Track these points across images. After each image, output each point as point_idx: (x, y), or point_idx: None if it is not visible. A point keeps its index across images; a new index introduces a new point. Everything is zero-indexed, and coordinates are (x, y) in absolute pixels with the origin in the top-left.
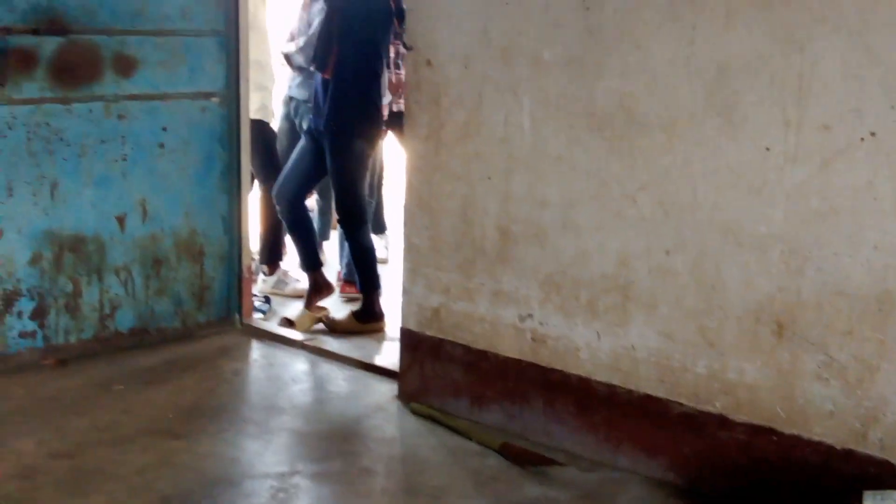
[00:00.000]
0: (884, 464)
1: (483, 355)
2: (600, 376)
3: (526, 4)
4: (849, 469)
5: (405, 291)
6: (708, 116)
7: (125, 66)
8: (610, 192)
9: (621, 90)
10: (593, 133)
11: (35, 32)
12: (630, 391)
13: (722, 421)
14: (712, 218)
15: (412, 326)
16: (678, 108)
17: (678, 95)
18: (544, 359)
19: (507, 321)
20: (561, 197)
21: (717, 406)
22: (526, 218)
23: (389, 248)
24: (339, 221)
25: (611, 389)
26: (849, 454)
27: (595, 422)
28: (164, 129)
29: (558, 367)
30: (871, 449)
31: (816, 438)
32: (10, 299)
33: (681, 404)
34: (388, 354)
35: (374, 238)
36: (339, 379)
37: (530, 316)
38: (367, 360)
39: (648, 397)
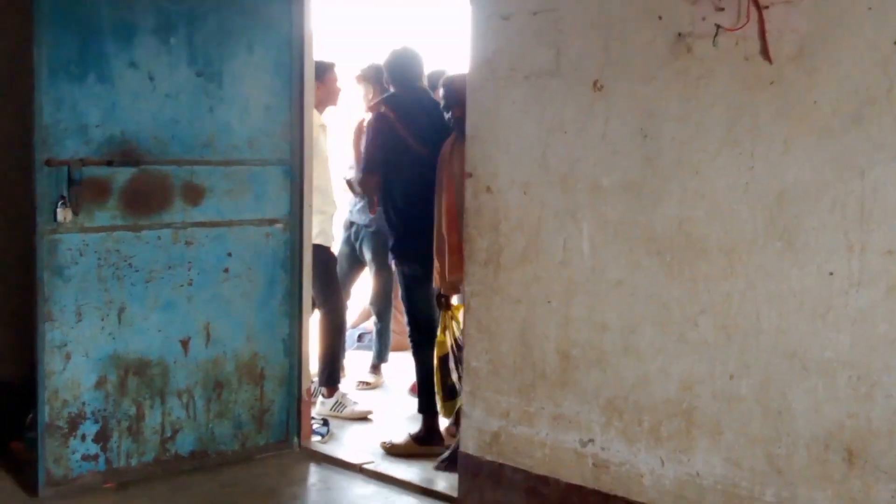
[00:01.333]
0: None
1: (544, 481)
2: None
3: (584, 133)
4: None
5: (465, 415)
6: (769, 241)
7: (194, 194)
8: (671, 316)
9: (680, 215)
10: (653, 257)
11: (109, 164)
12: None
13: None
14: (777, 342)
15: (471, 451)
16: (739, 232)
17: (738, 220)
18: (606, 485)
19: (568, 446)
20: (621, 321)
21: None
22: (586, 341)
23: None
24: (410, 339)
25: None
26: None
27: None
28: (229, 255)
29: (621, 493)
30: None
31: None
32: (75, 422)
33: None
34: (449, 478)
35: None
36: None
37: (592, 441)
38: (426, 486)
39: None
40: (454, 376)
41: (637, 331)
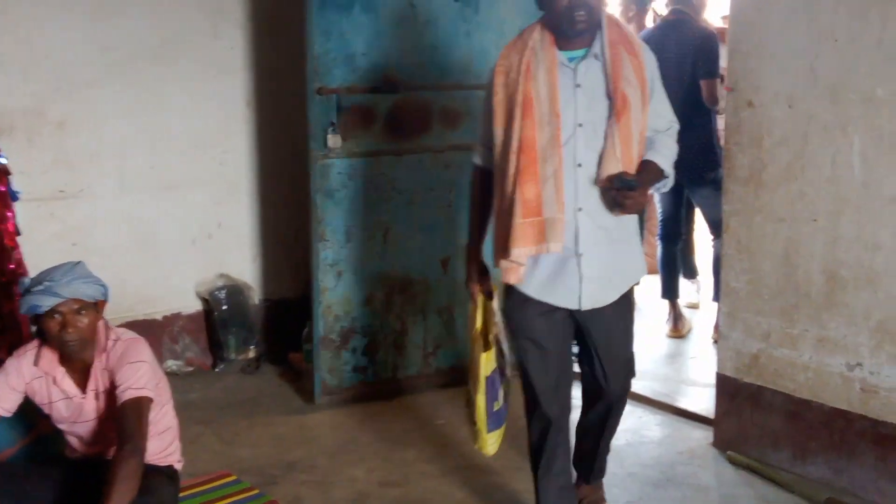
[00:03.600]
0: None
1: (806, 405)
2: None
3: (858, 40)
4: None
5: (723, 336)
6: None
7: (451, 118)
8: None
9: None
10: None
11: (374, 91)
12: None
13: None
14: None
15: (729, 372)
16: None
17: None
18: (875, 411)
19: (833, 370)
20: (895, 240)
21: None
22: (856, 261)
23: (700, 292)
24: None
25: None
26: None
27: None
28: None
29: (891, 419)
30: None
31: None
32: (347, 336)
33: None
34: (702, 400)
35: (685, 282)
36: (653, 424)
37: (860, 365)
38: (681, 406)
39: None
40: (501, 398)
41: None
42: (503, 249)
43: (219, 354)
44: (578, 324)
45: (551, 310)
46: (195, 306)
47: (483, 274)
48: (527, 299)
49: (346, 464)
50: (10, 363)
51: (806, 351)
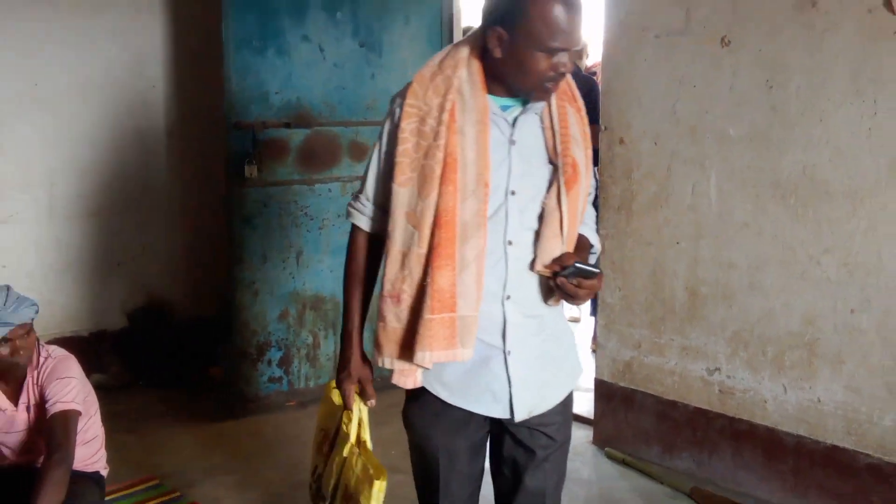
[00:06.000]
0: None
1: (673, 405)
2: (787, 427)
3: (712, 86)
4: None
5: (600, 346)
6: (891, 184)
7: (359, 152)
8: (795, 256)
9: (805, 161)
10: (778, 201)
11: (287, 126)
12: (817, 442)
13: None
14: None
15: (606, 378)
16: (861, 177)
17: (861, 165)
18: (732, 410)
19: (695, 374)
20: (747, 260)
21: None
22: (713, 279)
23: (581, 308)
24: None
25: (798, 440)
26: None
27: (782, 470)
28: None
29: (745, 417)
30: None
31: None
32: (262, 349)
33: (868, 455)
34: (582, 403)
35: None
36: None
37: (718, 370)
38: None
39: (835, 448)
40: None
41: (762, 269)
42: (400, 347)
43: (142, 369)
44: (494, 436)
45: (466, 416)
46: (120, 324)
47: (364, 368)
48: (440, 406)
49: (263, 467)
50: None
51: (672, 358)
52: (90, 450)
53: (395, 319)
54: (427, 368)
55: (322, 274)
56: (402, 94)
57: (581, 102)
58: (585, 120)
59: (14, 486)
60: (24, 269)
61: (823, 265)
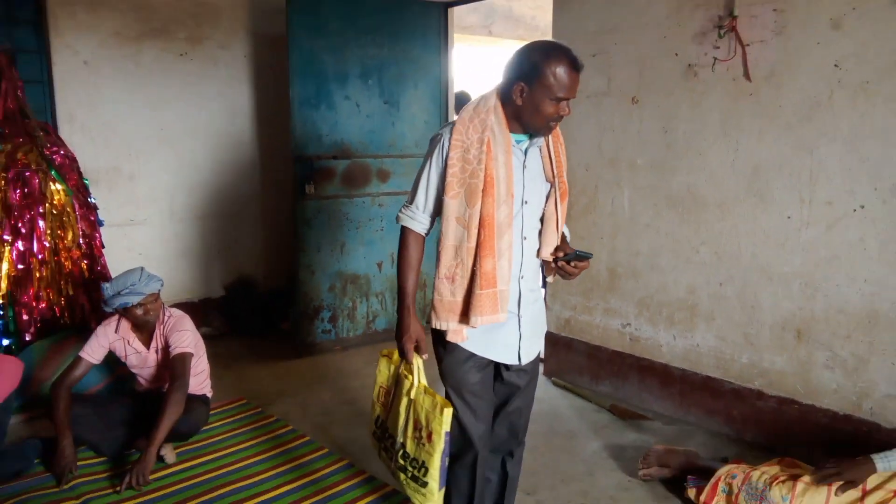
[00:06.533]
0: (872, 424)
1: (598, 349)
2: (676, 364)
3: (625, 131)
4: (849, 428)
5: (549, 308)
6: (748, 197)
7: (384, 175)
8: (681, 247)
9: (688, 182)
10: (670, 209)
11: (334, 158)
12: (696, 373)
13: (759, 394)
14: (752, 262)
15: (553, 330)
16: (727, 192)
17: (727, 184)
18: (638, 351)
19: (613, 328)
20: (649, 249)
21: (756, 384)
22: (626, 263)
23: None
24: None
25: (683, 372)
26: (848, 418)
27: (672, 392)
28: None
29: (647, 357)
30: (864, 415)
31: (825, 407)
32: (317, 311)
33: (731, 382)
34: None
35: None
36: None
37: (629, 324)
38: None
39: (709, 378)
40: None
41: (659, 255)
42: (455, 314)
43: (234, 324)
44: (495, 374)
45: (486, 364)
46: (220, 293)
47: (420, 331)
48: (469, 355)
49: (317, 390)
50: (100, 330)
51: (597, 316)
52: (199, 379)
53: (450, 294)
54: (474, 328)
55: (358, 259)
56: (449, 133)
57: (561, 137)
58: (565, 154)
59: (149, 403)
60: (154, 256)
61: (701, 253)
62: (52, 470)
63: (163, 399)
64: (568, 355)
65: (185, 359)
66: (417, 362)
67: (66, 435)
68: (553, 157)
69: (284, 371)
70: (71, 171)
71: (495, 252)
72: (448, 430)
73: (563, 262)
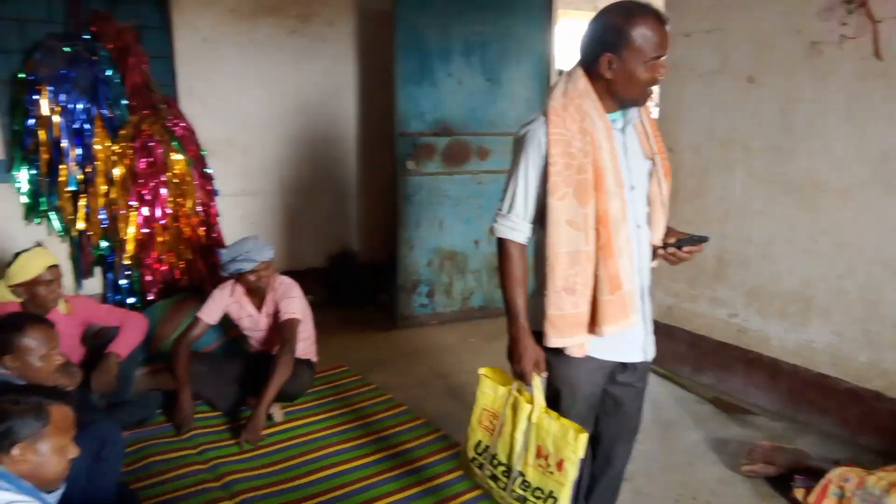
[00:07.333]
0: None
1: (702, 338)
2: (787, 358)
3: (740, 112)
4: None
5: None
6: (874, 185)
7: (483, 153)
8: (797, 235)
9: (808, 167)
10: (786, 195)
11: (435, 135)
12: (808, 370)
13: (878, 396)
14: (876, 255)
15: (654, 317)
16: (851, 179)
17: (851, 171)
18: (745, 343)
19: (719, 317)
20: (762, 237)
21: (874, 385)
22: (735, 250)
23: None
24: None
25: (794, 368)
26: None
27: (781, 388)
28: (504, 190)
29: (755, 349)
30: None
31: None
32: (415, 285)
33: (847, 382)
34: None
35: None
36: None
37: (736, 315)
38: None
39: (822, 375)
40: None
41: (772, 244)
42: (578, 327)
43: (337, 294)
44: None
45: (609, 368)
46: (324, 263)
47: (539, 350)
48: (593, 363)
49: (413, 362)
50: (216, 293)
51: (702, 305)
52: (305, 345)
53: (572, 307)
54: (601, 338)
55: (456, 236)
56: (543, 127)
57: (649, 112)
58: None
59: (259, 364)
60: (265, 225)
61: (819, 243)
62: (171, 420)
63: (272, 361)
64: (669, 343)
65: (293, 324)
66: (536, 383)
67: (186, 389)
68: (649, 130)
69: (382, 342)
70: (190, 143)
71: (615, 251)
72: (583, 456)
73: (675, 248)
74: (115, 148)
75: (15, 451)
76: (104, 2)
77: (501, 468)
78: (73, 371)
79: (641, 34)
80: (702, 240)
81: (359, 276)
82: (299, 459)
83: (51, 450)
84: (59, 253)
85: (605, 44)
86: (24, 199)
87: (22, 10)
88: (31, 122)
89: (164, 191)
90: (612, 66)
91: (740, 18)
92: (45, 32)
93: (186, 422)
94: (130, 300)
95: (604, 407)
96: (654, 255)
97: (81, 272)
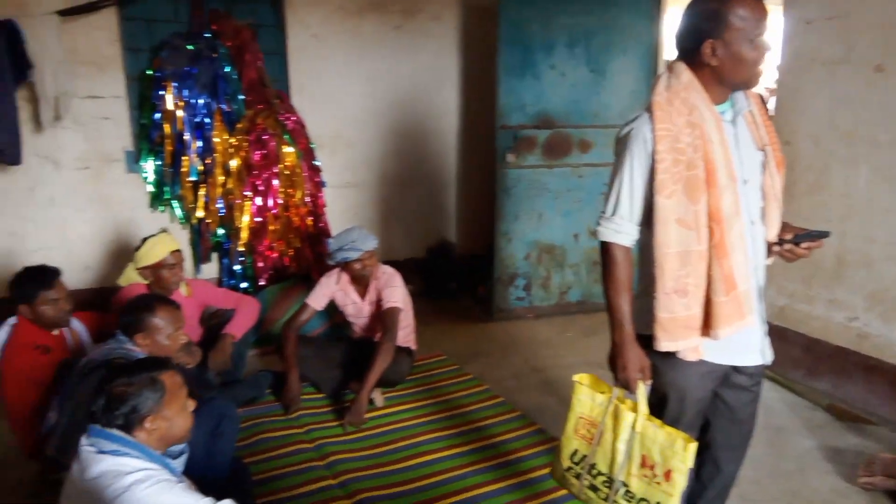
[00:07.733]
0: None
1: (817, 342)
2: None
3: (866, 103)
4: None
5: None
6: None
7: (585, 146)
8: None
9: None
10: None
11: (536, 128)
12: None
13: None
14: None
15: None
16: None
17: None
18: (865, 349)
19: (837, 321)
20: (888, 236)
21: None
22: (857, 250)
23: None
24: None
25: None
26: None
27: None
28: (605, 184)
29: (876, 356)
30: None
31: None
32: (512, 278)
33: None
34: None
35: None
36: None
37: (856, 319)
38: None
39: None
40: None
41: None
42: (696, 329)
43: (435, 285)
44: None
45: (722, 372)
46: (423, 254)
47: (645, 358)
48: (706, 367)
49: (509, 354)
50: (323, 281)
51: (819, 307)
52: (406, 333)
53: (683, 309)
54: (715, 340)
55: (555, 230)
56: (648, 123)
57: (760, 100)
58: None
59: (362, 349)
60: (367, 216)
61: None
62: (280, 400)
63: (374, 348)
64: (781, 346)
65: (395, 313)
66: (640, 391)
67: (294, 371)
68: (759, 120)
69: (479, 333)
70: (301, 136)
71: (728, 249)
72: (693, 466)
73: (792, 244)
74: (233, 141)
75: (147, 424)
76: (223, 1)
77: (602, 478)
78: (194, 350)
79: (740, 13)
80: (822, 235)
81: (456, 268)
82: (398, 444)
83: (174, 412)
84: (181, 239)
85: (704, 31)
86: (150, 189)
87: (151, 12)
88: (157, 116)
89: (276, 182)
90: (716, 52)
91: (867, 4)
92: (170, 32)
93: (294, 402)
94: (243, 285)
95: (714, 412)
96: (770, 251)
97: (200, 257)
